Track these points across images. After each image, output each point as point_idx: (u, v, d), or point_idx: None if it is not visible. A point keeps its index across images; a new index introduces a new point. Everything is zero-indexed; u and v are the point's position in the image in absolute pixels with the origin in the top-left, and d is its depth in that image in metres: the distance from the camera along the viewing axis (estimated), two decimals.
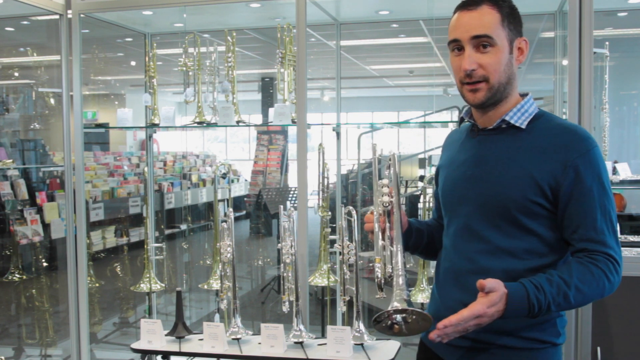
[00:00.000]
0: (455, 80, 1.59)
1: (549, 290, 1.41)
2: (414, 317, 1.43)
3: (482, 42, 1.52)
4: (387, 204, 1.59)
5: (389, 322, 1.44)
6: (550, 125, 1.54)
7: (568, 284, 1.41)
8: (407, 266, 1.52)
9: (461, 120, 1.71)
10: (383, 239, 1.60)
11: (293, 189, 7.33)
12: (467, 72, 1.52)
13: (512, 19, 1.56)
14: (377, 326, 1.46)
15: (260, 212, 8.65)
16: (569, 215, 1.47)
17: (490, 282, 1.39)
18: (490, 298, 1.38)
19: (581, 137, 1.49)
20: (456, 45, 1.56)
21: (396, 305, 1.42)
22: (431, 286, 2.92)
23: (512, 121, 1.55)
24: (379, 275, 1.55)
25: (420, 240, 1.78)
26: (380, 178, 1.66)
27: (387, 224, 1.60)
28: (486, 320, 1.39)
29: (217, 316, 3.13)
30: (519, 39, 1.57)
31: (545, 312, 1.42)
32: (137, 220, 7.21)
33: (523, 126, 1.55)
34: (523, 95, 1.61)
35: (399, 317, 1.43)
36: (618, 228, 1.51)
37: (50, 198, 4.69)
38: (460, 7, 1.57)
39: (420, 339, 1.76)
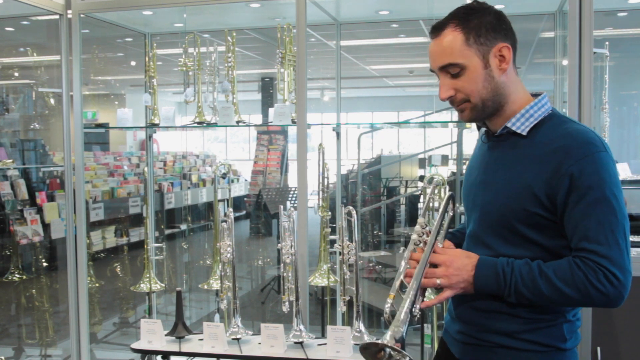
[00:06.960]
0: None
1: (518, 270, 1.42)
2: (398, 358, 1.43)
3: (449, 70, 1.48)
4: (418, 242, 1.59)
5: (376, 349, 1.45)
6: (554, 130, 1.46)
7: (541, 272, 1.41)
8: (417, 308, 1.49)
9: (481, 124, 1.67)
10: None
11: (293, 189, 7.33)
12: (444, 100, 1.50)
13: (483, 31, 1.46)
14: (363, 352, 1.47)
15: (260, 212, 8.65)
16: (566, 224, 1.43)
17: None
18: (452, 252, 1.51)
19: (581, 143, 1.39)
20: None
21: (388, 340, 1.43)
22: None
23: (513, 128, 1.49)
24: (387, 312, 1.53)
25: None
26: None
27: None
28: (452, 272, 1.47)
29: (217, 316, 3.14)
30: (497, 46, 1.47)
31: (518, 293, 1.42)
32: (137, 220, 7.21)
33: (524, 133, 1.48)
34: (536, 96, 1.52)
35: (388, 350, 1.44)
36: (629, 239, 1.41)
37: (50, 198, 4.68)
38: (429, 34, 1.52)
39: (440, 337, 1.77)
